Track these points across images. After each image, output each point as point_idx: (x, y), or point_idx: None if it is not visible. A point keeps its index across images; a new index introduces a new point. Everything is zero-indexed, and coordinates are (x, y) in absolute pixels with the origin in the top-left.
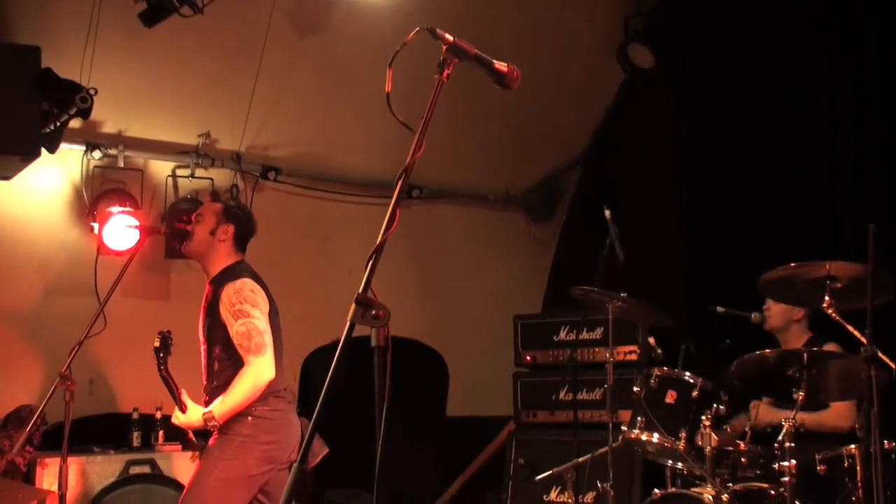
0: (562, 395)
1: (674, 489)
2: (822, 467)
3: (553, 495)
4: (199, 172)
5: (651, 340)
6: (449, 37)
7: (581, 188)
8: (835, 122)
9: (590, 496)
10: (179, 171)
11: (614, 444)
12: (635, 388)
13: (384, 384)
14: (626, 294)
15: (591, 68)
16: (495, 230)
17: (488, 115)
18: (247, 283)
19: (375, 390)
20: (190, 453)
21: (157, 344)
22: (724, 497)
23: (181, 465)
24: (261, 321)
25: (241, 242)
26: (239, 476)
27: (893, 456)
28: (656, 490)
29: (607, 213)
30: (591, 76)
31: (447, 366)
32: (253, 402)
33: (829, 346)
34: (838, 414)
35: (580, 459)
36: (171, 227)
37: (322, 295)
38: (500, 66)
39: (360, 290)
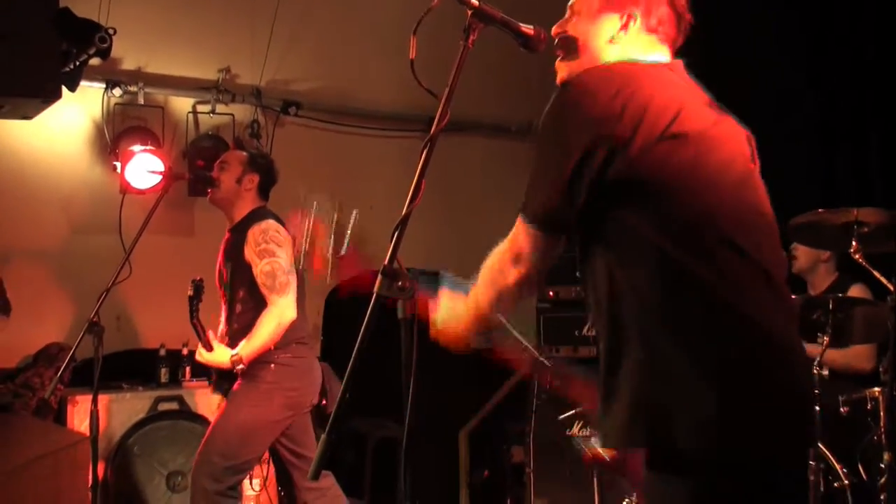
0: (585, 330)
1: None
2: (845, 409)
3: (576, 429)
4: (219, 108)
5: None
6: (475, 1)
7: None
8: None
9: None
10: (200, 108)
11: None
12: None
13: (412, 358)
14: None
15: None
16: (518, 161)
17: (510, 47)
18: (272, 225)
19: (402, 364)
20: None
21: (190, 293)
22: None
23: (208, 402)
24: (285, 261)
25: (264, 191)
26: (263, 421)
27: None
28: None
29: None
30: None
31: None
32: (276, 346)
33: (855, 288)
34: (859, 355)
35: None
36: (193, 166)
37: (343, 230)
38: (527, 29)
39: (387, 261)
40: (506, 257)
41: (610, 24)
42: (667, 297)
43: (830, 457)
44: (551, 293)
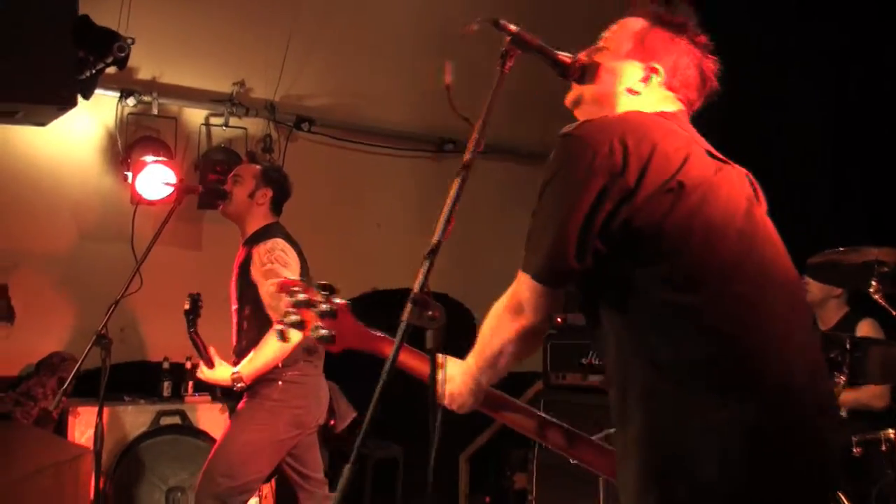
0: (592, 359)
1: None
2: (859, 449)
3: None
4: (232, 122)
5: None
6: (512, 27)
7: None
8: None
9: None
10: (213, 120)
11: None
12: None
13: (436, 389)
14: None
15: None
16: (528, 185)
17: (522, 69)
18: (278, 243)
19: (428, 395)
20: (219, 405)
21: (186, 306)
22: None
23: (210, 417)
24: None
25: (277, 206)
26: (268, 440)
27: None
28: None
29: None
30: None
31: (476, 322)
32: (283, 363)
33: (865, 323)
34: (874, 394)
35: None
36: (205, 180)
37: (352, 247)
38: (564, 57)
39: (416, 289)
40: (507, 309)
41: (632, 71)
42: (675, 357)
43: (844, 500)
44: (559, 319)
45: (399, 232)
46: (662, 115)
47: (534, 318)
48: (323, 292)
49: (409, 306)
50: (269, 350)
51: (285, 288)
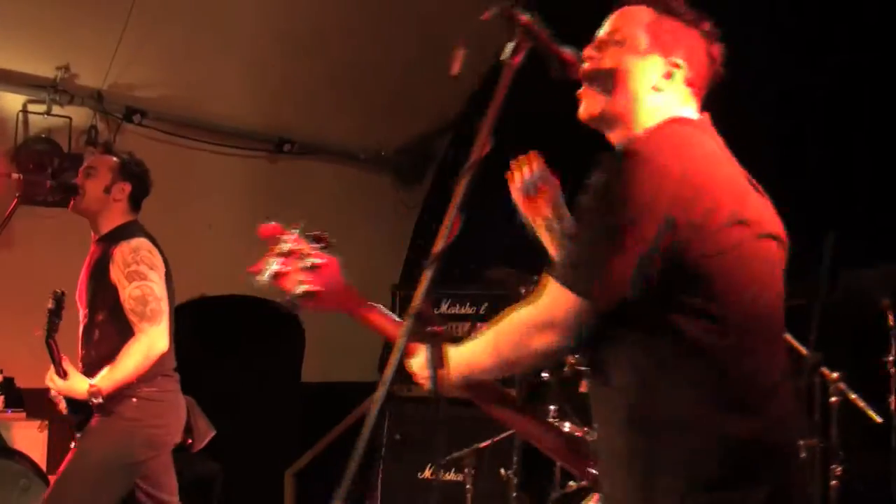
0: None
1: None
2: None
3: (427, 473)
4: (55, 110)
5: None
6: (525, 17)
7: (451, 155)
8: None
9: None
10: (32, 107)
11: None
12: (544, 375)
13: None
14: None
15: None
16: (363, 192)
17: (369, 68)
18: (144, 243)
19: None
20: (37, 423)
21: (50, 306)
22: None
23: (26, 436)
24: (158, 286)
25: (136, 202)
26: (121, 462)
27: None
28: (571, 482)
29: None
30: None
31: (303, 328)
32: (139, 380)
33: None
34: None
35: (482, 444)
36: (25, 171)
37: (180, 249)
38: (569, 54)
39: (417, 302)
40: (533, 322)
41: (655, 67)
42: (713, 410)
43: None
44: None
45: (230, 235)
46: (700, 127)
47: (563, 340)
48: (314, 244)
49: (409, 321)
50: (133, 361)
51: (270, 234)
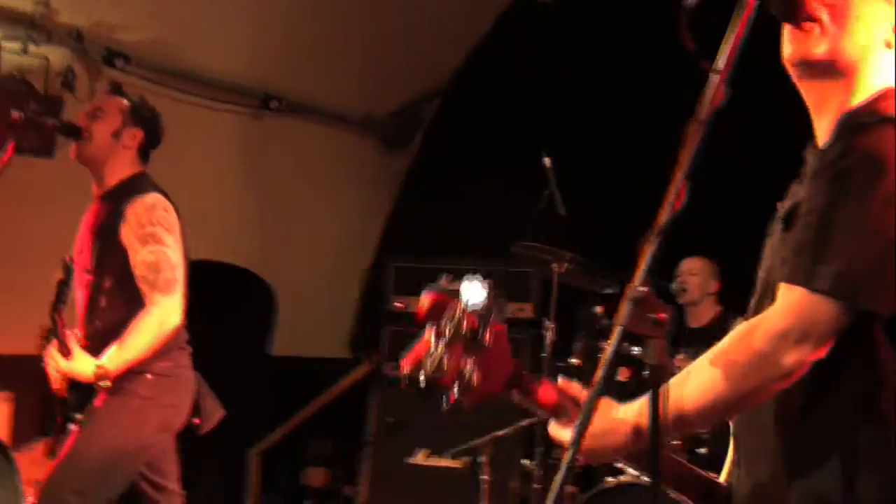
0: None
1: (626, 477)
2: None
3: (420, 457)
4: (31, 49)
5: (599, 309)
6: None
7: (439, 122)
8: None
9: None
10: (7, 44)
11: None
12: (573, 360)
13: (657, 416)
14: (573, 254)
15: None
16: (349, 155)
17: (361, 31)
18: (160, 201)
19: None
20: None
21: (60, 276)
22: None
23: None
24: (174, 252)
25: (145, 152)
26: (133, 446)
27: None
28: (609, 478)
29: (547, 160)
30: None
31: (276, 300)
32: (155, 354)
33: (741, 321)
34: None
35: (501, 433)
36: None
37: None
38: None
39: (636, 284)
40: (784, 335)
41: (885, 16)
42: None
43: None
44: (401, 304)
45: (207, 192)
46: None
47: (818, 351)
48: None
49: (628, 305)
50: (144, 338)
51: (432, 306)
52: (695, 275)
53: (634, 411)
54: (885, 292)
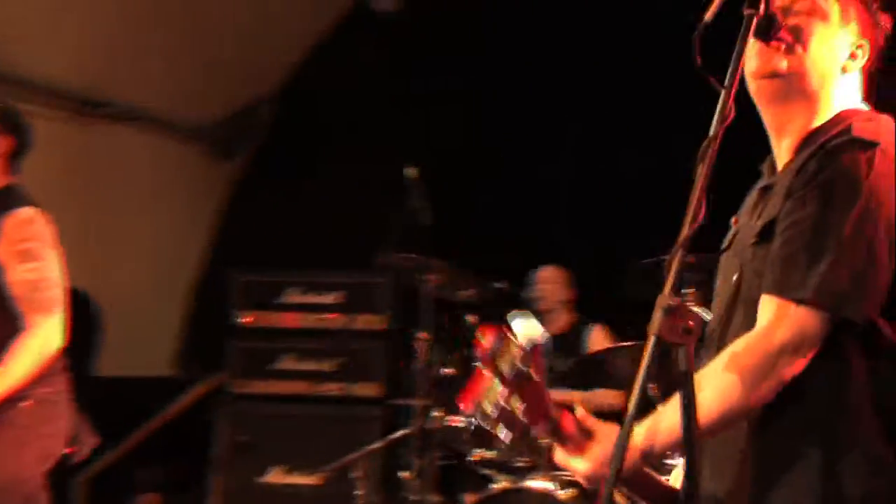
0: (287, 364)
1: (505, 483)
2: None
3: (273, 476)
4: None
5: (471, 318)
6: None
7: (277, 128)
8: None
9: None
10: None
11: (427, 426)
12: (445, 370)
13: (692, 422)
14: (442, 262)
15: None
16: (176, 165)
17: (191, 35)
18: (37, 215)
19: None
20: None
21: None
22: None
23: None
24: (54, 271)
25: (16, 160)
26: (12, 481)
27: None
28: (492, 485)
29: (412, 171)
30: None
31: (100, 317)
32: (35, 380)
33: (598, 329)
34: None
35: (374, 446)
36: None
37: None
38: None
39: (666, 293)
40: (782, 347)
41: (844, 45)
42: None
43: None
44: (247, 319)
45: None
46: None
47: (807, 359)
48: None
49: (660, 315)
50: (24, 364)
51: (493, 344)
52: (549, 283)
53: (642, 435)
54: (863, 303)
